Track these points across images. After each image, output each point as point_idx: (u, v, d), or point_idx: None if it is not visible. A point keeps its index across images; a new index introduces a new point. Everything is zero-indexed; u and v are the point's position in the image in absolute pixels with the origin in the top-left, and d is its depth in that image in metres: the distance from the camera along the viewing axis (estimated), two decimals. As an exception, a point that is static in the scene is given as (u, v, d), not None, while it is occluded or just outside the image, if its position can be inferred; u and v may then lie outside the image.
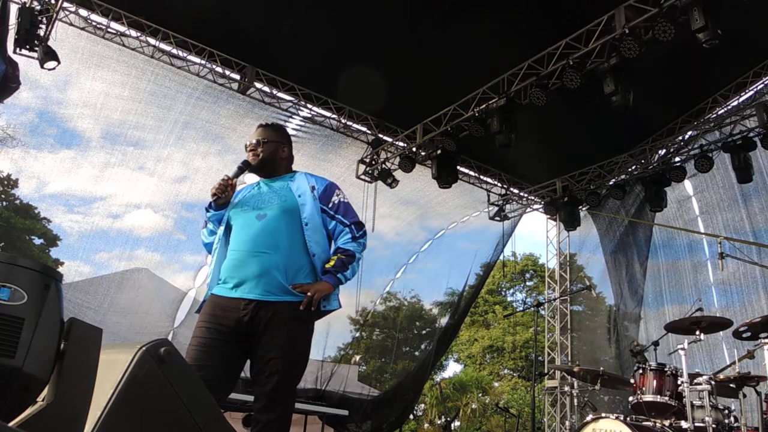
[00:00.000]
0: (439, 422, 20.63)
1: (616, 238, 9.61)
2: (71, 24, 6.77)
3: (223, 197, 2.80)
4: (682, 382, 4.27)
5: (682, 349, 4.36)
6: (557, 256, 10.69)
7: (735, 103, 8.01)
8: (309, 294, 2.61)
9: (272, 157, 2.94)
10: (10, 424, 1.35)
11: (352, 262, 2.78)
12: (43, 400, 1.44)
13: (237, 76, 7.77)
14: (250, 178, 3.03)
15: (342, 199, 2.91)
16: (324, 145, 8.83)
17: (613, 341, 9.47)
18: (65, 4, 6.56)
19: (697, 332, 4.48)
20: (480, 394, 23.66)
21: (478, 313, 27.48)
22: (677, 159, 8.55)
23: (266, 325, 2.58)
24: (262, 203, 2.80)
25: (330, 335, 9.00)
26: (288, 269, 2.66)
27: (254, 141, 2.95)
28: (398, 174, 8.63)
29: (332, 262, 2.73)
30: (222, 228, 2.84)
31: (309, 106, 8.34)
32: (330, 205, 2.86)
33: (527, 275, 28.32)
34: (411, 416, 18.34)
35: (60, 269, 6.94)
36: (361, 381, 10.01)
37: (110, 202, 7.91)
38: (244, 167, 2.90)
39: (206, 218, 2.91)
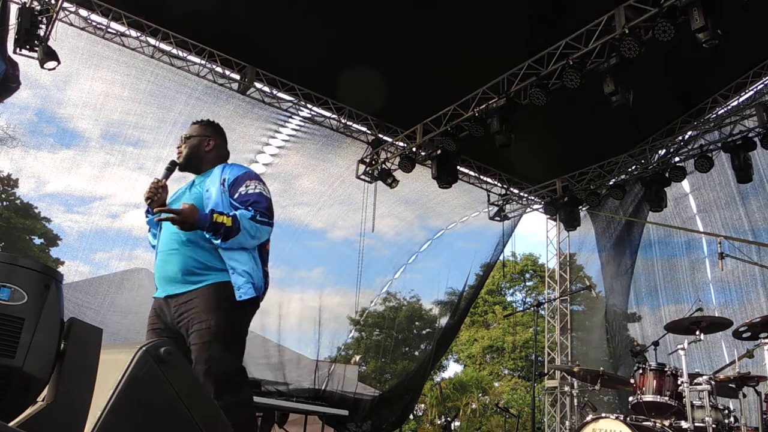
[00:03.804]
0: (439, 422, 20.62)
1: (613, 238, 9.62)
2: (71, 24, 6.77)
3: (156, 200, 2.78)
4: (682, 382, 4.27)
5: (682, 349, 4.36)
6: (557, 256, 10.69)
7: (735, 103, 8.01)
8: (173, 210, 2.58)
9: (195, 151, 2.93)
10: (10, 424, 1.35)
11: (232, 234, 2.59)
12: (43, 400, 1.44)
13: (237, 76, 7.77)
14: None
15: (253, 190, 2.75)
16: (324, 145, 8.83)
17: (605, 340, 9.46)
18: (65, 4, 6.56)
19: (697, 332, 4.48)
20: (480, 394, 23.66)
21: (478, 314, 27.47)
22: (677, 159, 8.55)
23: (190, 316, 2.61)
24: (179, 202, 2.79)
25: (329, 335, 9.00)
26: (198, 262, 2.67)
27: (181, 138, 2.97)
28: (398, 174, 8.63)
29: (223, 219, 2.59)
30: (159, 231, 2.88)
31: (309, 106, 8.34)
32: (236, 196, 2.73)
33: (527, 275, 28.31)
34: (411, 416, 18.35)
35: (60, 269, 6.94)
36: (361, 381, 10.00)
37: (109, 201, 7.92)
38: (172, 167, 2.90)
39: (146, 222, 2.95)
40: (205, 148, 2.95)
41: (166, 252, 2.74)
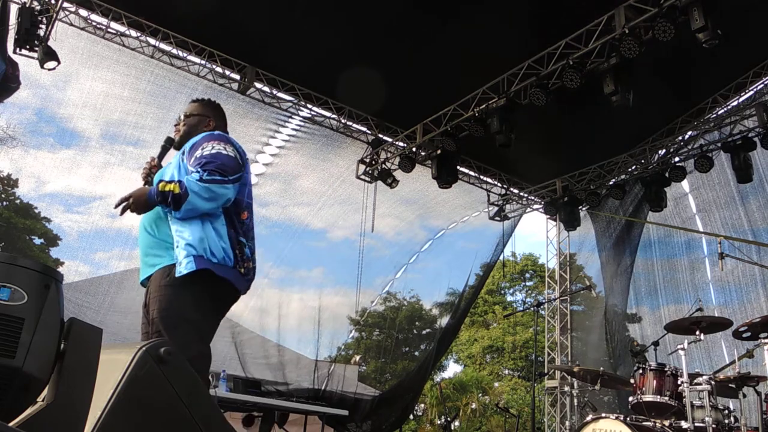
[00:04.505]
0: (439, 422, 20.62)
1: (613, 238, 9.62)
2: (71, 24, 6.77)
3: (150, 181, 2.66)
4: (682, 382, 4.27)
5: (682, 349, 4.36)
6: (557, 256, 10.69)
7: (735, 103, 8.01)
8: (123, 198, 2.45)
9: (193, 131, 2.80)
10: (10, 424, 1.35)
11: (182, 200, 2.40)
12: (43, 400, 1.44)
13: (237, 76, 7.77)
14: None
15: (209, 151, 2.53)
16: (324, 145, 8.83)
17: (604, 340, 9.46)
18: (65, 4, 6.56)
19: (697, 332, 4.48)
20: (480, 394, 23.64)
21: (478, 314, 27.46)
22: (677, 159, 8.55)
23: (149, 303, 2.50)
24: None
25: (329, 335, 9.01)
26: (156, 243, 2.57)
27: (180, 116, 2.87)
28: (398, 174, 8.64)
29: (170, 187, 2.42)
30: None
31: (309, 106, 8.34)
32: (192, 161, 2.55)
33: (527, 275, 28.30)
34: (411, 416, 18.35)
35: (60, 269, 6.94)
36: (361, 381, 10.00)
37: (109, 201, 7.91)
38: (168, 145, 2.77)
39: None
40: (204, 128, 2.82)
41: (139, 236, 2.68)
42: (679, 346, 4.41)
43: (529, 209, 10.43)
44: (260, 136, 8.34)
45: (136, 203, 2.44)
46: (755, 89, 7.78)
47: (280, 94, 8.14)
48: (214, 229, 2.50)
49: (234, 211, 2.59)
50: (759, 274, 7.59)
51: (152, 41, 7.18)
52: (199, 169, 2.46)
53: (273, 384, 7.50)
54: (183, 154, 2.64)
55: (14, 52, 6.27)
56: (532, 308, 6.45)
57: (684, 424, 4.14)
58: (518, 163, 9.48)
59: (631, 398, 4.61)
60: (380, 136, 8.82)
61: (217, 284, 2.47)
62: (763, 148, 7.50)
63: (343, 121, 8.64)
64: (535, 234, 56.59)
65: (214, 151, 2.53)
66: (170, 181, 2.45)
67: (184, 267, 2.40)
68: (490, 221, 10.21)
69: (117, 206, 2.46)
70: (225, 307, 2.60)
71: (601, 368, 5.11)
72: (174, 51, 7.34)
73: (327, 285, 9.61)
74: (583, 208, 9.79)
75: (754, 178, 7.68)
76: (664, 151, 8.91)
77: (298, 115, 8.43)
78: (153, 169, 2.73)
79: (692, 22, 5.28)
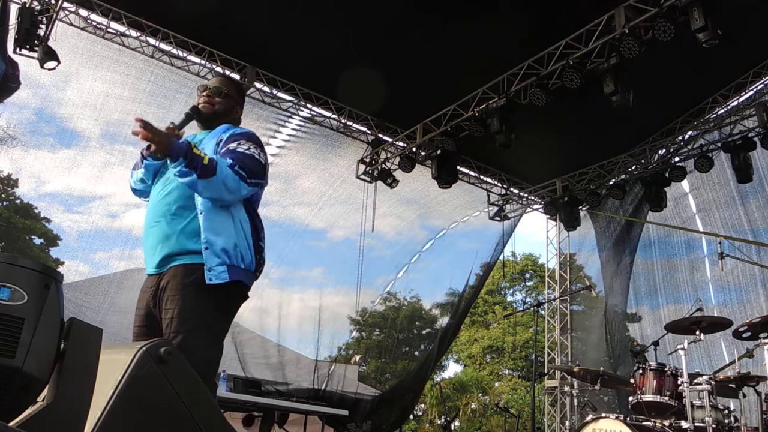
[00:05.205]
0: (439, 422, 20.61)
1: (613, 237, 9.62)
2: (71, 24, 6.77)
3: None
4: (682, 382, 4.27)
5: (682, 349, 4.36)
6: (557, 256, 10.69)
7: (735, 103, 8.01)
8: (157, 132, 2.29)
9: (225, 114, 2.70)
10: (10, 424, 1.35)
11: (208, 172, 2.29)
12: (43, 400, 1.44)
13: (237, 76, 7.77)
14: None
15: (243, 150, 2.46)
16: (324, 145, 8.83)
17: (604, 340, 9.47)
18: (65, 4, 6.56)
19: (697, 332, 4.48)
20: (480, 394, 23.65)
21: (478, 314, 27.48)
22: (677, 159, 8.55)
23: (162, 298, 2.37)
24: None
25: (329, 335, 9.01)
26: (180, 235, 2.42)
27: (214, 87, 2.69)
28: (398, 174, 8.64)
29: (201, 153, 2.33)
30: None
31: (309, 106, 8.34)
32: (223, 151, 2.48)
33: (527, 275, 28.31)
34: (411, 416, 18.34)
35: (60, 269, 6.94)
36: (361, 381, 10.01)
37: (109, 201, 7.92)
38: (193, 114, 2.60)
39: (141, 165, 2.63)
40: (234, 115, 2.75)
41: (149, 223, 2.52)
42: (679, 346, 4.41)
43: (529, 209, 10.43)
44: (260, 136, 8.31)
45: (161, 140, 2.31)
46: (755, 89, 7.78)
47: (280, 94, 8.14)
48: (245, 234, 2.46)
49: (255, 215, 2.57)
50: (759, 274, 7.59)
51: (152, 41, 7.18)
52: (230, 160, 2.40)
53: (273, 384, 7.50)
54: (218, 145, 2.54)
55: (14, 52, 6.27)
56: (532, 308, 6.45)
57: (684, 424, 4.15)
58: (518, 163, 9.48)
59: (631, 398, 4.61)
60: (380, 136, 8.82)
61: (239, 289, 2.45)
62: (763, 148, 7.50)
63: (343, 121, 8.64)
64: (535, 234, 56.66)
65: (248, 152, 2.48)
66: (207, 157, 2.34)
67: (216, 276, 2.32)
68: (490, 221, 10.21)
69: (139, 121, 2.31)
70: (237, 310, 2.56)
71: (601, 368, 5.10)
72: (174, 51, 7.35)
73: (327, 285, 9.62)
74: (583, 208, 9.79)
75: (754, 178, 7.68)
76: (664, 151, 8.91)
77: (298, 115, 8.43)
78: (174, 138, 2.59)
79: (692, 22, 5.28)
